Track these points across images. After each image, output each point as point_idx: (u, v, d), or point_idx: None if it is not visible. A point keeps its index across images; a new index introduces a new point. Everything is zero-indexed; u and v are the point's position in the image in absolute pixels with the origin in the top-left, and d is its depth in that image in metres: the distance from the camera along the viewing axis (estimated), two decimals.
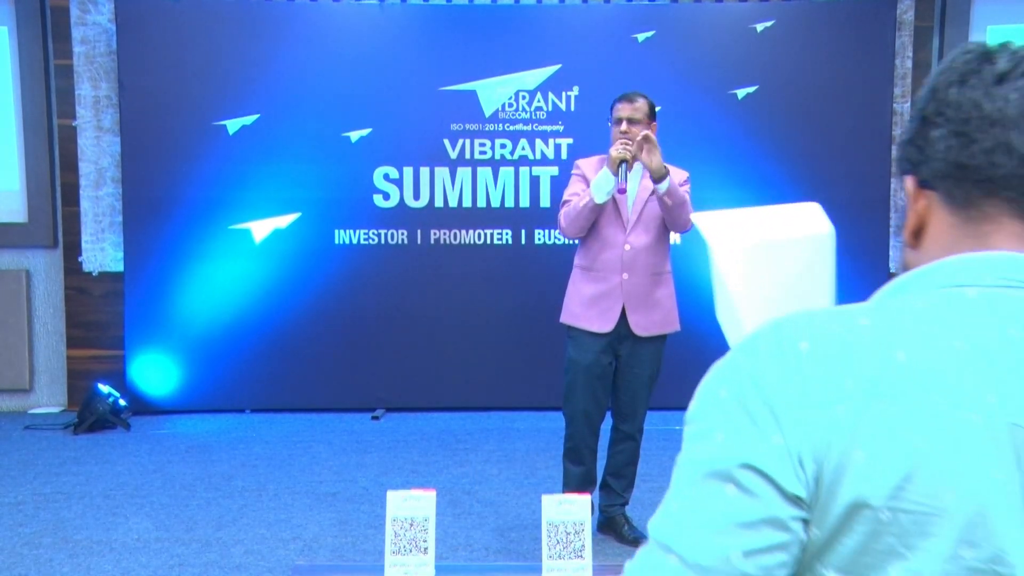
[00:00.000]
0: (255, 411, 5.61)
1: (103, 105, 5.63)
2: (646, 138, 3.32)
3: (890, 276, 5.83)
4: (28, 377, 5.81)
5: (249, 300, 5.58)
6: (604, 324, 3.43)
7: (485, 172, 5.61)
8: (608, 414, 3.60)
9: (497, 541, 3.59)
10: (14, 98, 5.73)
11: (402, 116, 5.56)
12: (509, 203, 5.62)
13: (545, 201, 5.55)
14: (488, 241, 5.64)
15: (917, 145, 0.80)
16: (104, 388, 5.31)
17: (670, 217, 3.41)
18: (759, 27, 5.58)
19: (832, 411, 0.70)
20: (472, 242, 5.63)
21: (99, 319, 5.70)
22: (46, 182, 5.73)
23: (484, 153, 5.60)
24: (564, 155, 5.51)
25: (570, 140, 5.55)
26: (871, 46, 5.57)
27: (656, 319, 3.46)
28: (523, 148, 5.60)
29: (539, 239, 5.60)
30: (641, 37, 5.56)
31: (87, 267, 5.68)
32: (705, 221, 2.53)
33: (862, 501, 0.69)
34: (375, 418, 5.53)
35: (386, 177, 5.60)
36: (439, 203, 5.61)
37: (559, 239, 5.46)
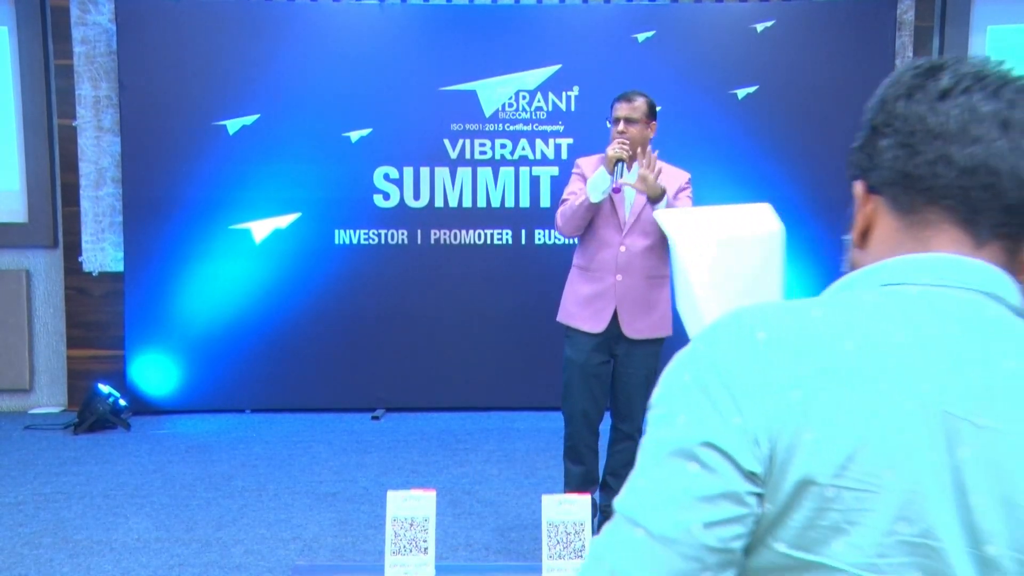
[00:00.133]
0: (255, 411, 5.61)
1: (103, 105, 5.63)
2: (648, 159, 3.31)
3: None
4: (28, 377, 5.81)
5: (249, 300, 5.58)
6: (597, 324, 3.43)
7: (485, 172, 5.61)
8: (608, 414, 3.60)
9: (497, 541, 3.59)
10: (14, 98, 5.73)
11: (402, 116, 5.56)
12: (509, 203, 5.62)
13: (545, 201, 5.56)
14: (488, 241, 5.64)
15: (867, 152, 0.87)
16: (104, 388, 5.31)
17: None
18: (759, 27, 5.58)
19: (786, 395, 0.76)
20: (472, 242, 5.63)
21: (99, 319, 5.70)
22: (46, 182, 5.73)
23: (484, 153, 5.60)
24: (564, 155, 5.51)
25: (570, 140, 5.55)
26: (871, 46, 5.57)
27: (648, 322, 3.45)
28: (523, 148, 5.60)
29: (539, 239, 5.61)
30: (641, 37, 5.56)
31: (87, 267, 5.69)
32: (667, 218, 2.63)
33: (810, 478, 0.74)
34: (375, 418, 5.53)
35: (386, 177, 5.60)
36: (439, 203, 5.61)
37: (559, 239, 5.46)
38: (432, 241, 5.62)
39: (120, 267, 5.63)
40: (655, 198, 3.31)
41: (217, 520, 3.75)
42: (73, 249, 5.70)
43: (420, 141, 5.58)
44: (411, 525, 1.90)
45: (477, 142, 5.59)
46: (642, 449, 0.81)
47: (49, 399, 5.87)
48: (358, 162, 5.57)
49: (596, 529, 3.53)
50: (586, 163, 3.55)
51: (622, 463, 3.59)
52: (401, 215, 5.59)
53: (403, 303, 5.61)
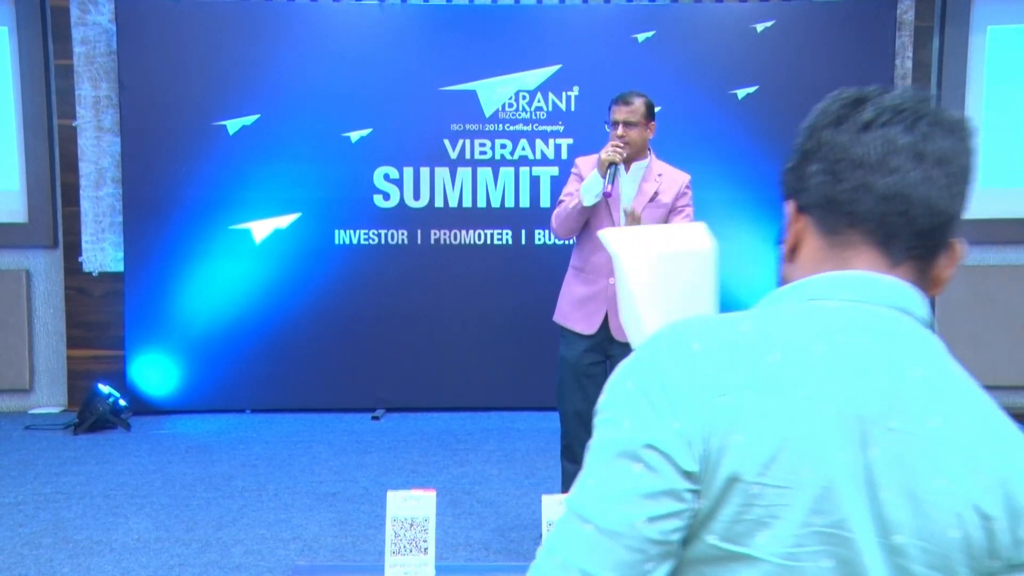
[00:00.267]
0: (255, 411, 5.61)
1: (103, 105, 5.63)
2: (632, 216, 3.32)
3: None
4: (28, 377, 5.81)
5: (249, 300, 5.58)
6: (589, 326, 3.44)
7: (485, 172, 5.61)
8: None
9: (497, 541, 3.59)
10: (14, 98, 5.73)
11: (402, 116, 5.56)
12: (509, 203, 5.62)
13: (545, 201, 5.55)
14: (488, 241, 5.64)
15: (797, 175, 0.95)
16: (104, 388, 5.31)
17: None
18: (759, 27, 5.58)
19: (717, 402, 0.83)
20: (472, 242, 5.63)
21: (99, 319, 5.70)
22: (46, 182, 5.73)
23: (484, 153, 5.60)
24: (564, 155, 5.51)
25: (570, 140, 5.55)
26: (871, 46, 5.57)
27: None
28: (523, 148, 5.60)
29: (539, 239, 5.61)
30: (641, 37, 5.56)
31: (87, 267, 5.69)
32: (611, 236, 2.84)
33: (737, 476, 0.82)
34: (375, 418, 5.53)
35: (386, 177, 5.60)
36: (439, 203, 5.61)
37: (559, 239, 5.46)
38: (432, 241, 5.62)
39: (120, 267, 5.63)
40: None
41: (217, 520, 3.75)
42: (73, 249, 5.70)
43: (420, 141, 5.58)
44: (411, 525, 1.90)
45: (477, 142, 5.59)
46: (590, 450, 0.88)
47: (49, 399, 5.87)
48: (358, 162, 5.57)
49: None
50: (584, 163, 3.55)
51: None
52: (401, 215, 5.59)
53: (403, 303, 5.61)
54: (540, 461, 4.60)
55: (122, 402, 5.40)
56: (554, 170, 5.56)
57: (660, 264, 2.69)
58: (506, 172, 5.61)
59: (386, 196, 5.60)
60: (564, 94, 5.58)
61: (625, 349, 3.45)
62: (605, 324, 3.42)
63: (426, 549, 1.90)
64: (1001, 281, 5.85)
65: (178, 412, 5.56)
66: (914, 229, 0.89)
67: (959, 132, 0.91)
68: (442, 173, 5.60)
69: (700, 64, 5.55)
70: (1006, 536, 0.83)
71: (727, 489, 0.82)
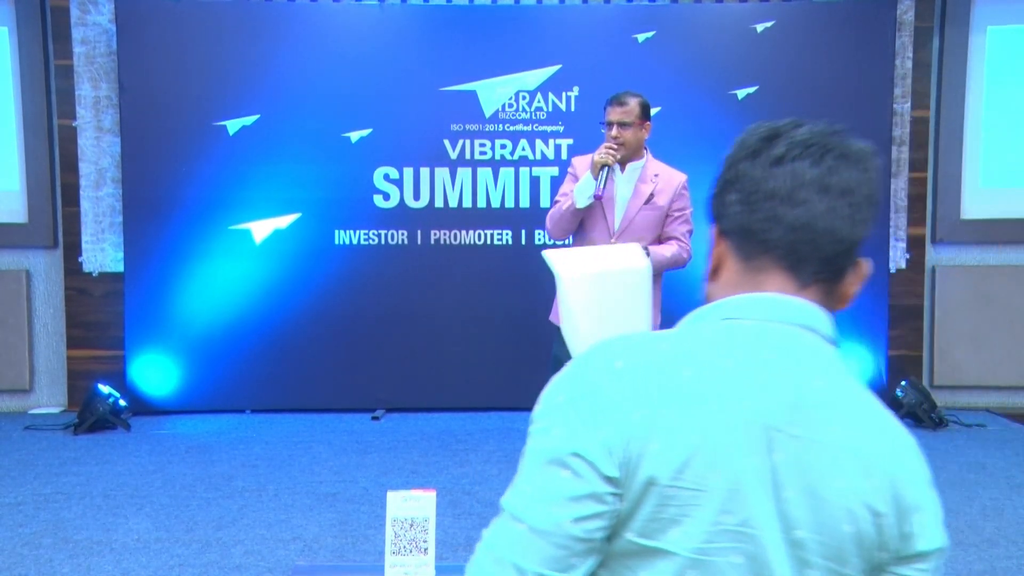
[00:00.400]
0: (255, 411, 5.61)
1: (103, 105, 5.63)
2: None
3: (890, 277, 5.81)
4: (28, 377, 5.81)
5: (249, 300, 5.58)
6: None
7: (485, 172, 5.61)
8: None
9: None
10: (14, 98, 5.73)
11: (402, 116, 5.56)
12: (509, 203, 5.62)
13: (545, 202, 5.55)
14: (488, 241, 5.64)
15: (719, 202, 1.04)
16: (104, 388, 5.31)
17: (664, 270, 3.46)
18: (759, 27, 5.58)
19: (637, 414, 0.93)
20: (472, 242, 5.63)
21: (99, 319, 5.70)
22: (46, 182, 5.73)
23: (484, 153, 5.60)
24: (564, 155, 5.51)
25: (570, 140, 5.55)
26: (871, 46, 5.57)
27: None
28: (523, 148, 5.60)
29: (539, 239, 5.60)
30: (641, 37, 5.56)
31: (87, 267, 5.69)
32: (553, 256, 3.08)
33: (653, 480, 0.91)
34: (375, 418, 5.53)
35: (386, 177, 5.60)
36: (439, 203, 5.61)
37: (554, 240, 5.45)
38: (432, 241, 5.62)
39: (120, 267, 5.63)
40: None
41: (217, 520, 3.75)
42: (73, 249, 5.70)
43: (420, 141, 5.58)
44: (411, 525, 1.90)
45: (477, 142, 5.59)
46: (524, 456, 0.97)
47: (49, 399, 5.87)
48: (358, 162, 5.57)
49: None
50: (580, 163, 3.54)
51: None
52: (401, 215, 5.59)
53: (403, 303, 5.61)
54: None
55: (122, 402, 5.39)
56: (554, 170, 5.56)
57: (597, 282, 2.90)
58: (506, 172, 5.61)
59: (386, 196, 5.60)
60: (564, 94, 5.58)
61: None
62: None
63: (426, 549, 1.90)
64: (1001, 281, 5.85)
65: (178, 412, 5.56)
66: (820, 256, 0.99)
67: (863, 163, 1.00)
68: (442, 173, 5.60)
69: (700, 64, 5.55)
70: (894, 531, 0.95)
71: (645, 491, 0.92)
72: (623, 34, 5.56)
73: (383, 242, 5.61)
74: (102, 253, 5.68)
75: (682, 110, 5.39)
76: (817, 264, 1.00)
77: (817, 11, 5.61)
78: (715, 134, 5.50)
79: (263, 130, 5.53)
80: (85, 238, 5.67)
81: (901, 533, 0.95)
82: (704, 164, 5.01)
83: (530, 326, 5.49)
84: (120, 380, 5.53)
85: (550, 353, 3.59)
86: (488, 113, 5.58)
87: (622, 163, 3.45)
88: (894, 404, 5.40)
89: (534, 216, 5.58)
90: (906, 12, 5.70)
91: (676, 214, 3.48)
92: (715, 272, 1.06)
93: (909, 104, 5.73)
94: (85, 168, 5.65)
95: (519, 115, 5.58)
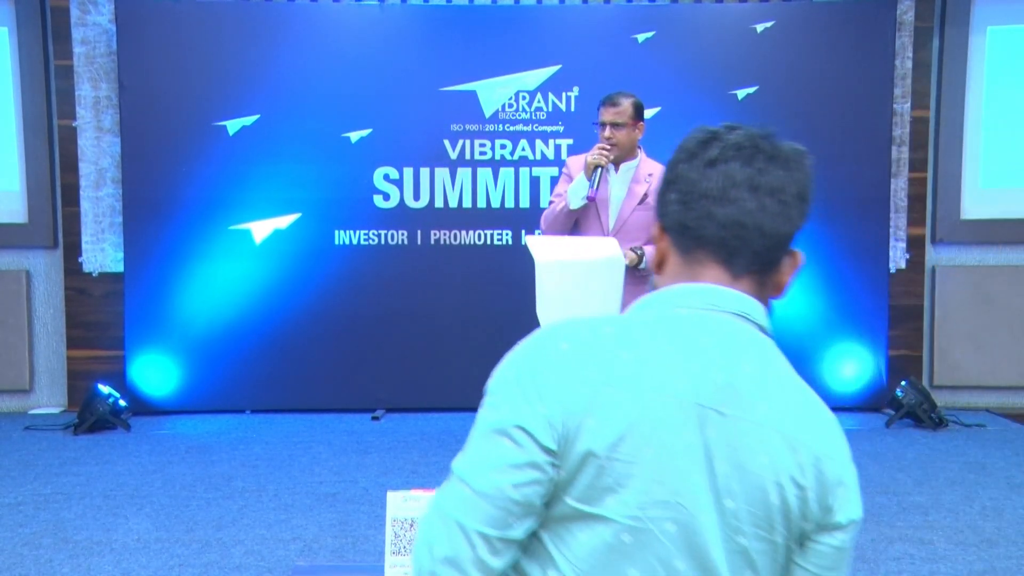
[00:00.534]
0: (255, 412, 5.61)
1: (103, 105, 5.63)
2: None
3: (890, 276, 5.79)
4: (28, 377, 5.81)
5: (249, 301, 5.58)
6: None
7: (485, 173, 5.61)
8: None
9: None
10: (14, 98, 5.73)
11: (402, 116, 5.56)
12: (509, 204, 5.62)
13: (545, 202, 5.54)
14: (488, 242, 5.64)
15: (662, 201, 1.14)
16: (104, 388, 5.30)
17: None
18: (759, 27, 5.58)
19: (577, 392, 1.02)
20: (472, 243, 5.63)
21: (99, 319, 5.70)
22: (46, 182, 5.73)
23: (484, 154, 5.60)
24: (564, 156, 5.51)
25: (570, 140, 5.55)
26: (871, 46, 5.57)
27: None
28: (523, 149, 5.60)
29: None
30: (641, 37, 5.56)
31: (87, 267, 5.69)
32: (533, 243, 3.15)
33: (591, 452, 1.01)
34: (375, 418, 5.53)
35: (386, 178, 5.60)
36: (439, 204, 5.61)
37: None
38: (432, 242, 5.62)
39: (120, 267, 5.63)
40: (635, 264, 3.34)
41: (217, 520, 3.75)
42: (73, 249, 5.70)
43: (420, 141, 5.58)
44: (411, 525, 1.90)
45: (477, 142, 5.59)
46: (475, 425, 1.06)
47: (49, 399, 5.87)
48: (358, 162, 5.57)
49: None
50: (574, 163, 3.55)
51: None
52: (401, 216, 5.59)
53: (403, 303, 5.61)
54: None
55: (122, 402, 5.39)
56: (554, 170, 5.55)
57: (569, 269, 3.01)
58: (506, 172, 5.61)
59: (386, 196, 5.60)
60: (564, 94, 5.58)
61: None
62: None
63: None
64: (1001, 281, 5.85)
65: (178, 412, 5.56)
66: (751, 249, 1.08)
67: (793, 164, 1.09)
68: (442, 173, 5.60)
69: (700, 64, 5.55)
70: (816, 503, 1.03)
71: (583, 462, 1.01)
72: (623, 34, 5.56)
73: (383, 242, 5.60)
74: (102, 253, 5.68)
75: (682, 110, 5.39)
76: (749, 257, 1.08)
77: (817, 11, 5.61)
78: None
79: (263, 130, 5.53)
80: (85, 238, 5.67)
81: (823, 506, 1.04)
82: None
83: (530, 326, 5.47)
84: (120, 380, 5.53)
85: None
86: (488, 113, 5.58)
87: (616, 163, 3.45)
88: (894, 404, 5.40)
89: (534, 216, 5.56)
90: (906, 12, 5.69)
91: None
92: (660, 265, 1.15)
93: (909, 104, 5.73)
94: (85, 168, 5.65)
95: (519, 115, 5.58)
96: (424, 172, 5.60)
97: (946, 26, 5.78)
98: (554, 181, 5.49)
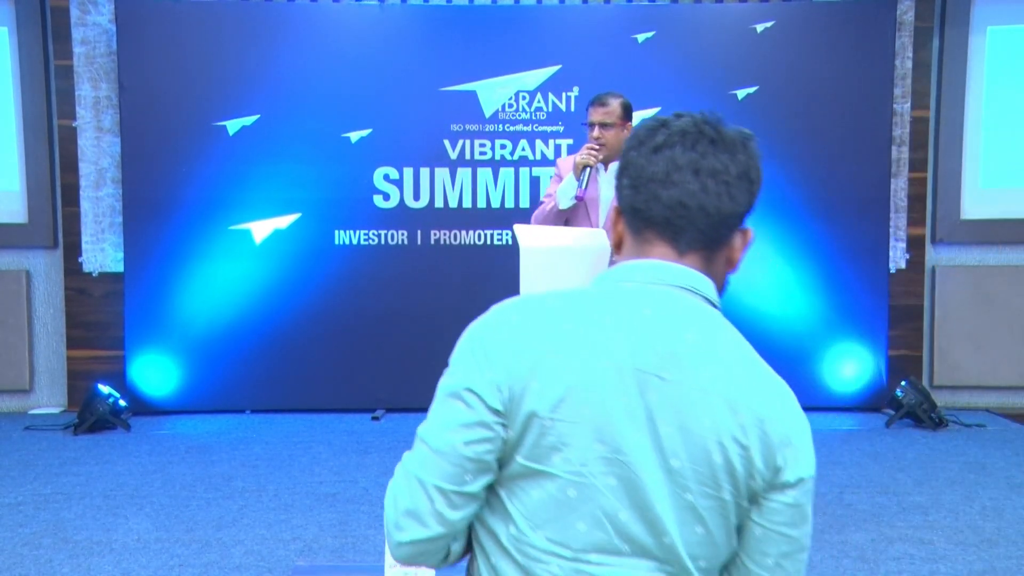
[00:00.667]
0: (255, 412, 5.61)
1: (103, 105, 5.63)
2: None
3: (890, 276, 5.80)
4: (28, 377, 5.81)
5: (249, 301, 5.58)
6: None
7: (485, 173, 5.61)
8: None
9: None
10: (14, 98, 5.73)
11: (402, 116, 5.56)
12: (509, 204, 5.62)
13: None
14: (488, 242, 5.64)
15: (618, 186, 1.22)
16: (104, 389, 5.30)
17: None
18: (759, 27, 5.58)
19: (522, 359, 1.12)
20: (472, 243, 5.63)
21: (99, 319, 5.70)
22: (46, 182, 5.73)
23: (484, 154, 5.60)
24: (564, 156, 5.51)
25: (570, 141, 5.55)
26: (871, 46, 5.57)
27: None
28: (523, 149, 5.60)
29: None
30: (641, 37, 5.56)
31: (87, 267, 5.69)
32: (520, 231, 3.18)
33: (535, 413, 1.10)
34: (375, 419, 5.53)
35: (386, 178, 5.60)
36: (439, 204, 5.61)
37: None
38: (432, 242, 5.62)
39: (120, 267, 5.63)
40: None
41: (217, 520, 3.75)
42: (73, 249, 5.70)
43: (420, 141, 5.58)
44: None
45: (477, 143, 5.59)
46: (437, 391, 1.17)
47: (49, 399, 5.87)
48: (358, 162, 5.57)
49: None
50: (564, 163, 3.57)
51: None
52: (401, 216, 5.59)
53: (403, 303, 5.61)
54: None
55: (122, 402, 5.39)
56: (553, 171, 5.55)
57: (552, 255, 3.07)
58: (506, 172, 5.61)
59: (386, 196, 5.60)
60: (564, 94, 5.58)
61: None
62: None
63: None
64: (1001, 281, 5.85)
65: (178, 412, 5.56)
66: (695, 227, 1.16)
67: (736, 146, 1.17)
68: (442, 173, 5.60)
69: (700, 64, 5.55)
70: (762, 462, 1.09)
71: (528, 422, 1.11)
72: (623, 34, 5.56)
73: (383, 242, 5.61)
74: (102, 253, 5.68)
75: (682, 110, 5.38)
76: (693, 235, 1.16)
77: (817, 11, 5.61)
78: None
79: (263, 130, 5.53)
80: (85, 238, 5.67)
81: (770, 465, 1.10)
82: None
83: None
84: (120, 380, 5.53)
85: None
86: (488, 113, 5.58)
87: (605, 163, 3.46)
88: (894, 404, 5.40)
89: None
90: (906, 12, 5.69)
91: None
92: (618, 246, 1.25)
93: (909, 104, 5.73)
94: (85, 168, 5.65)
95: (519, 115, 5.59)
96: (424, 172, 5.60)
97: (946, 26, 5.78)
98: None
